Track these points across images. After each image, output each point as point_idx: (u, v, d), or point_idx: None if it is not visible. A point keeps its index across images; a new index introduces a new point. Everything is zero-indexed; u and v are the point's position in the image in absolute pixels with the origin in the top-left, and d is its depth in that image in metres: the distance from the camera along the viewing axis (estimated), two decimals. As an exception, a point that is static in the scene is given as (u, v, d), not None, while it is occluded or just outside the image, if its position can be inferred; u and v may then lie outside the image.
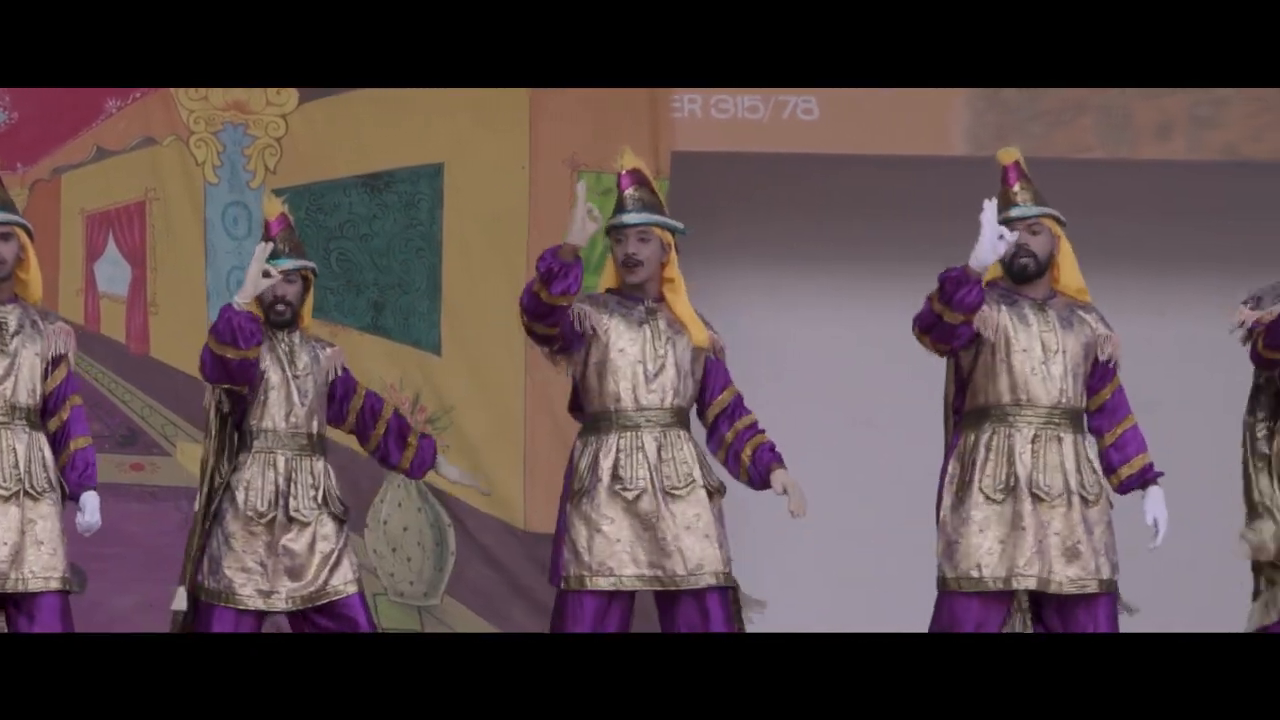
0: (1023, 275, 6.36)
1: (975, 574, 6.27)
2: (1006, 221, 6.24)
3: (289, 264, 6.51)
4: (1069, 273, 6.47)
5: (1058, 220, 6.41)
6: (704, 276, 8.21)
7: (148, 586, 8.58)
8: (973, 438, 6.36)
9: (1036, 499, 6.24)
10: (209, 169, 8.62)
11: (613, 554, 6.27)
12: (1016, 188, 6.50)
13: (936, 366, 6.57)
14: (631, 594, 6.33)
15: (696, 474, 6.29)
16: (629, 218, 6.37)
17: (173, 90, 8.36)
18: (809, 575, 8.77)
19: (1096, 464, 6.43)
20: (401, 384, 8.58)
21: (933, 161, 9.23)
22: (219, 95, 8.44)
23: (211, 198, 8.66)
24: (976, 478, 6.32)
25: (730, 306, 8.49)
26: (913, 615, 6.66)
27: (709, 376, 6.52)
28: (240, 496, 6.52)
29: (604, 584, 6.21)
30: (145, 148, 8.63)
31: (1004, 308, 6.28)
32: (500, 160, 8.73)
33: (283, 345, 6.62)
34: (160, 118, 8.53)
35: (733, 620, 6.33)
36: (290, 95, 8.52)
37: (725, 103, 8.74)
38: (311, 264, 6.62)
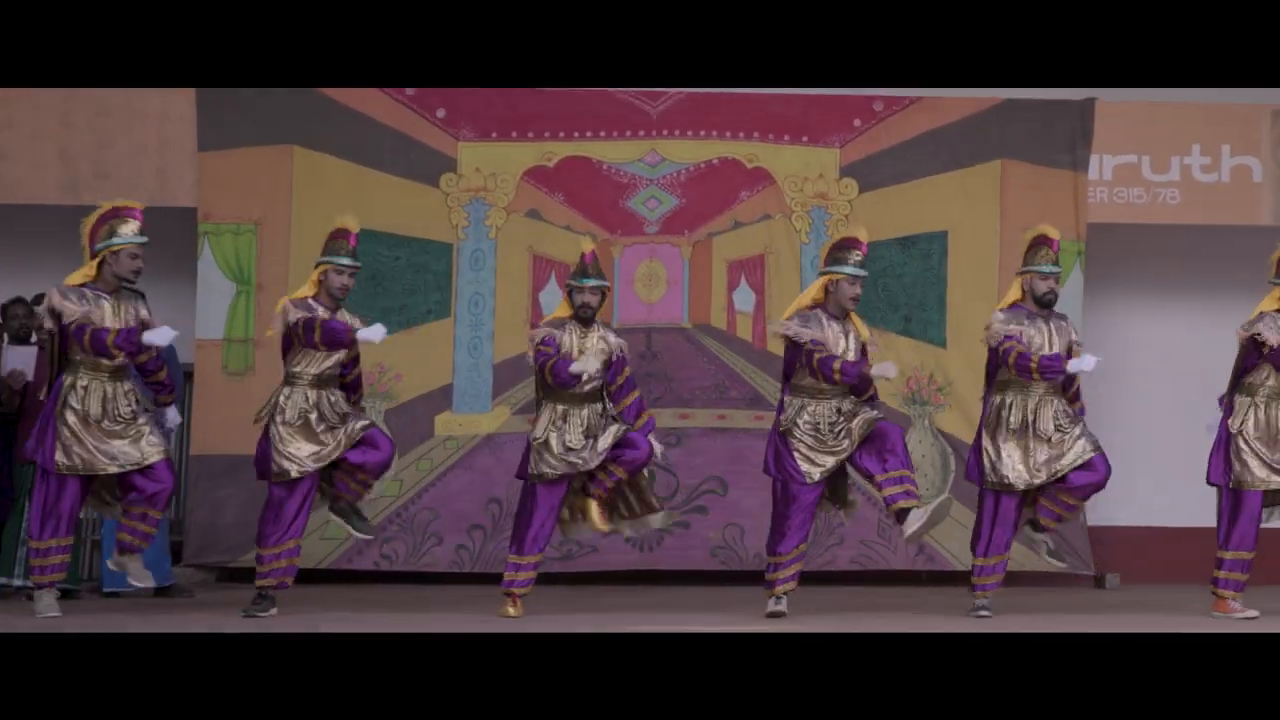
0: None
1: None
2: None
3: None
4: None
5: None
6: (1105, 291, 11.81)
7: (769, 490, 10.55)
8: None
9: None
10: (804, 234, 11.74)
11: None
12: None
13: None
14: None
15: None
16: (864, 272, 9.50)
17: (781, 183, 11.76)
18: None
19: None
20: (921, 366, 11.66)
21: (1244, 229, 11.91)
22: (811, 186, 11.74)
23: (805, 253, 11.74)
24: None
25: (1116, 308, 11.89)
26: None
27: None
28: None
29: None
30: (764, 221, 11.80)
31: None
32: (981, 226, 11.72)
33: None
34: (774, 203, 11.79)
35: None
36: (853, 187, 11.73)
37: (1121, 192, 11.81)
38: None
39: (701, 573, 11.54)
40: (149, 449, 9.00)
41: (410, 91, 11.78)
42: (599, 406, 9.42)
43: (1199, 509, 11.00)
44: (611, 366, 9.47)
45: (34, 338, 10.66)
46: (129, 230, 9.07)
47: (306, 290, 9.36)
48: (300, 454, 9.21)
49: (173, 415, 9.52)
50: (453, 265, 11.74)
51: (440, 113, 11.84)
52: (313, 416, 9.23)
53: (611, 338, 9.53)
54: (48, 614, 8.91)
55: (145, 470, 9.02)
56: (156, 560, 10.36)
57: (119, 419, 8.98)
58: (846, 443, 9.23)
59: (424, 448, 11.63)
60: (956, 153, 11.91)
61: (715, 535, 11.55)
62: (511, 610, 9.29)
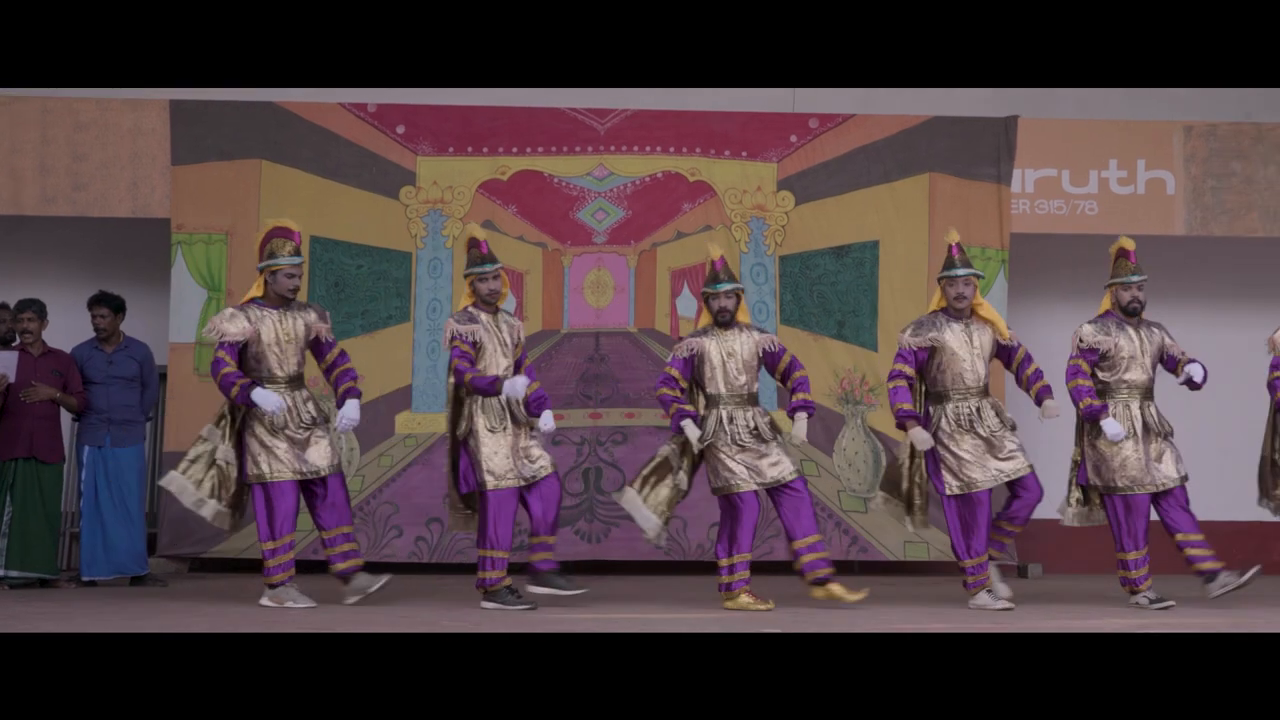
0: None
1: None
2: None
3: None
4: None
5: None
6: (1028, 298, 12.34)
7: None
8: None
9: None
10: (743, 244, 12.29)
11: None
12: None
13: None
14: None
15: None
16: (959, 271, 9.52)
17: (721, 195, 12.30)
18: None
19: None
20: (854, 368, 12.17)
21: (1159, 238, 12.42)
22: (750, 199, 12.28)
23: (744, 261, 12.32)
24: None
25: (1037, 314, 12.39)
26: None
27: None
28: None
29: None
30: (705, 231, 12.35)
31: None
32: (910, 236, 12.30)
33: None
34: (715, 214, 12.35)
35: None
36: (790, 199, 12.28)
37: (1042, 204, 12.43)
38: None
39: (648, 563, 12.06)
40: (320, 460, 9.43)
41: (372, 109, 12.42)
42: (760, 408, 9.67)
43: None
44: (769, 358, 9.71)
45: (16, 340, 11.16)
46: (283, 250, 9.44)
47: (465, 301, 9.63)
48: (524, 466, 9.41)
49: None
50: (412, 273, 12.29)
51: (400, 129, 12.44)
52: (509, 423, 9.38)
53: (757, 335, 9.72)
54: (300, 604, 9.35)
55: (324, 482, 9.44)
56: (132, 551, 11.01)
57: (301, 427, 9.38)
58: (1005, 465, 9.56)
59: (385, 445, 12.15)
60: (887, 167, 12.52)
61: (660, 528, 12.01)
62: (760, 604, 9.41)
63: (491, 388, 9.23)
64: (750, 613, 9.23)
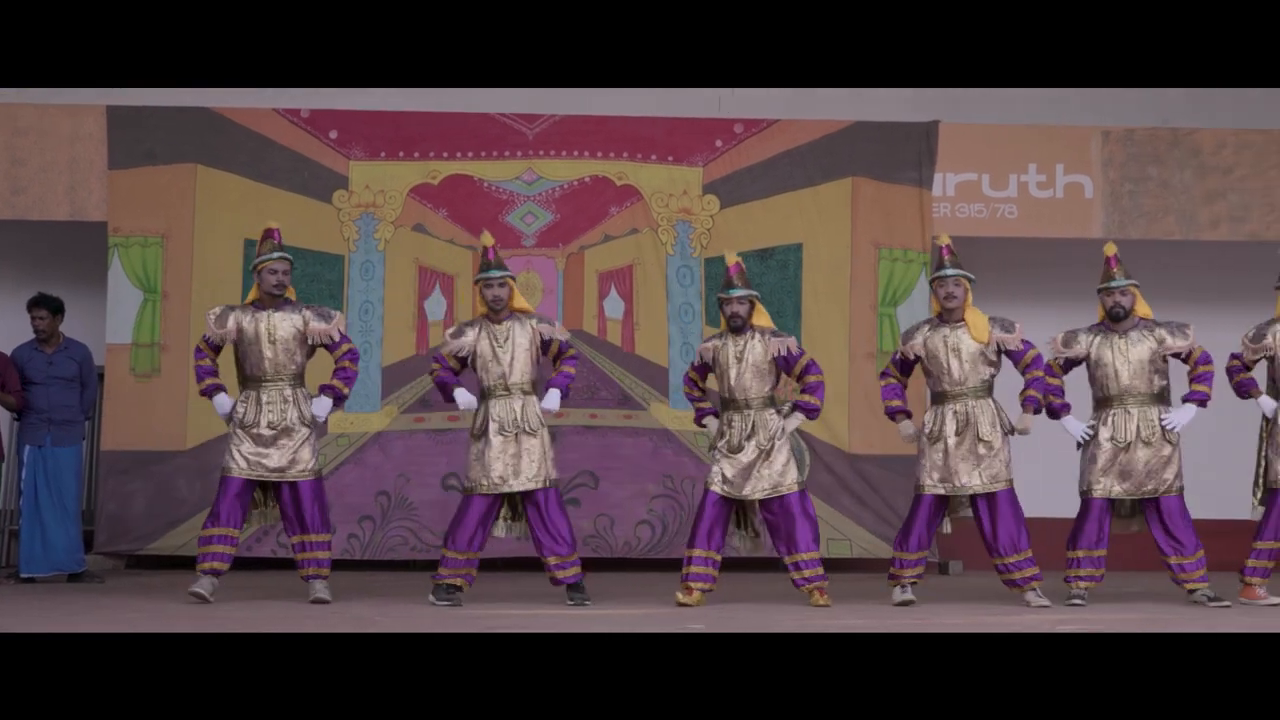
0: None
1: None
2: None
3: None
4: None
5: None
6: None
7: (636, 483, 12.21)
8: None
9: None
10: (669, 247, 12.44)
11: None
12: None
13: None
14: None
15: None
16: (948, 271, 9.58)
17: (648, 199, 12.46)
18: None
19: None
20: (778, 368, 12.46)
21: (1077, 241, 12.69)
22: (676, 202, 12.45)
23: (670, 264, 12.46)
24: None
25: None
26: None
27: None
28: None
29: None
30: (632, 235, 12.53)
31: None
32: (833, 239, 12.45)
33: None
34: (642, 218, 12.50)
35: None
36: (715, 203, 12.44)
37: (963, 208, 12.61)
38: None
39: (574, 560, 12.19)
40: (287, 463, 9.55)
41: (305, 114, 12.60)
42: (768, 411, 9.71)
43: (1030, 501, 11.51)
44: (784, 361, 9.73)
45: (-38, 343, 11.28)
46: (265, 249, 9.67)
47: (478, 308, 9.80)
48: (490, 473, 9.53)
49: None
50: (344, 275, 12.45)
51: (333, 134, 12.63)
52: (493, 426, 9.49)
53: (771, 339, 9.75)
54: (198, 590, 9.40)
55: (291, 486, 9.59)
56: (70, 549, 11.16)
57: (269, 426, 9.53)
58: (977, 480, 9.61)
59: (318, 444, 12.18)
60: (810, 171, 12.71)
61: (587, 525, 12.14)
62: (684, 597, 9.49)
63: (444, 390, 9.67)
64: (681, 609, 9.34)
